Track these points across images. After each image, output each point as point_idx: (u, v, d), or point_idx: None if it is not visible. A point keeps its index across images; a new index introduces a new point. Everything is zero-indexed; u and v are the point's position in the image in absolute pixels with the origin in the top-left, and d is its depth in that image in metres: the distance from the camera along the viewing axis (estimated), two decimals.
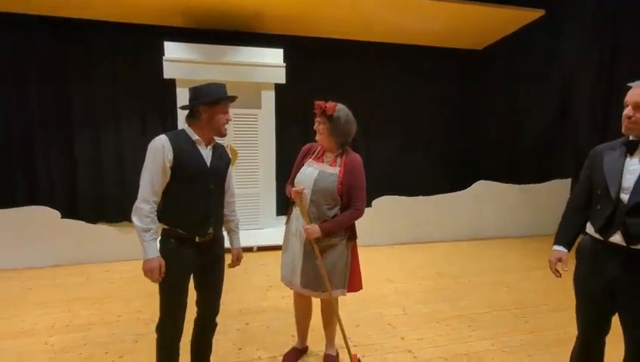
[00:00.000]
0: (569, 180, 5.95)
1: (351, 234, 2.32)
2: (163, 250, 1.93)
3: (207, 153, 1.99)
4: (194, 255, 1.98)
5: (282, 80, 5.40)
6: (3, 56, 5.49)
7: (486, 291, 3.81)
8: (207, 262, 2.04)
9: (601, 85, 5.71)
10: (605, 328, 1.88)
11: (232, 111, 5.26)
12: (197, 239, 1.96)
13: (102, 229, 4.57)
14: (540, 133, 6.72)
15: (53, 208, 4.40)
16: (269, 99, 5.52)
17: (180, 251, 1.94)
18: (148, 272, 1.85)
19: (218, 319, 2.21)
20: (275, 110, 5.60)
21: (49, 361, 2.57)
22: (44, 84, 5.68)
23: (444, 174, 7.55)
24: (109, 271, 4.16)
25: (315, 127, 2.28)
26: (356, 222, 2.33)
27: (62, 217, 4.40)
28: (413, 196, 5.54)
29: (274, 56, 5.38)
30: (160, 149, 1.85)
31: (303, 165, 2.34)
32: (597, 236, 1.79)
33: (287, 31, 6.14)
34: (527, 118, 6.93)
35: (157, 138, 1.90)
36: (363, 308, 3.39)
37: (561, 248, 1.95)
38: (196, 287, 2.11)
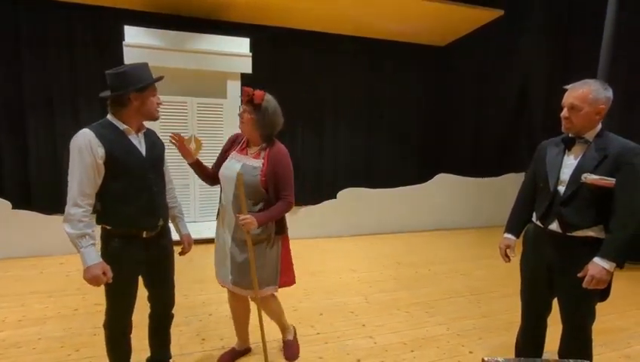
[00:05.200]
0: (522, 174, 6.28)
1: (279, 228, 2.19)
2: (106, 252, 1.81)
3: (139, 142, 1.87)
4: (141, 251, 1.88)
5: (249, 70, 5.34)
6: None
7: (443, 279, 3.99)
8: (155, 257, 1.96)
9: (553, 84, 6.05)
10: (546, 309, 2.05)
11: (197, 100, 5.25)
12: (144, 235, 1.87)
13: (56, 220, 4.38)
14: (499, 129, 7.04)
15: (5, 199, 4.17)
16: (234, 88, 5.45)
17: (126, 250, 1.83)
18: (91, 281, 1.72)
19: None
20: (240, 100, 5.53)
21: None
22: None
23: (409, 167, 7.75)
24: (64, 264, 4.01)
25: (239, 113, 2.10)
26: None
27: (13, 208, 4.18)
28: (378, 188, 5.67)
29: (240, 45, 5.31)
30: (87, 146, 1.68)
31: (227, 155, 2.19)
32: (538, 223, 1.94)
33: (254, 20, 6.05)
34: (487, 114, 7.24)
35: (79, 133, 1.72)
36: (327, 297, 3.46)
37: (510, 236, 2.09)
38: (146, 285, 2.04)
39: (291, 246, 2.37)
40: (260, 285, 2.15)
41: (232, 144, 2.23)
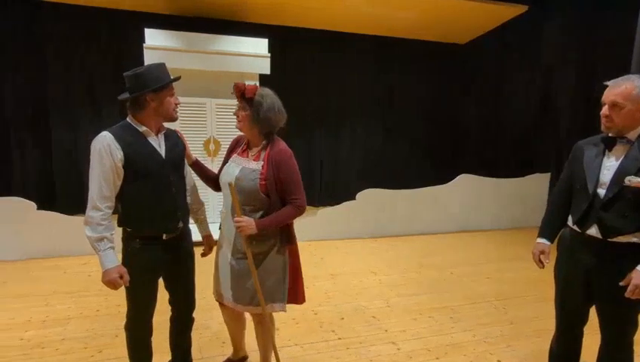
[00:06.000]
0: (548, 174, 6.09)
1: (287, 238, 1.98)
2: (127, 254, 1.81)
3: (159, 143, 1.84)
4: (161, 254, 1.85)
5: (267, 70, 5.32)
6: None
7: (467, 283, 3.87)
8: (175, 259, 1.93)
9: (582, 81, 5.84)
10: (583, 318, 1.93)
11: (216, 101, 5.26)
12: (165, 237, 1.85)
13: (78, 221, 4.44)
14: (522, 128, 6.84)
15: (29, 199, 4.25)
16: None
17: (146, 251, 1.81)
18: (108, 284, 1.71)
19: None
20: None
21: (24, 357, 2.49)
22: (20, 70, 5.45)
23: (428, 167, 7.62)
24: (86, 264, 4.06)
25: (234, 112, 1.95)
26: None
27: (38, 208, 4.26)
28: (396, 189, 5.57)
29: (258, 46, 5.29)
30: (106, 149, 1.68)
31: (229, 159, 2.04)
32: (575, 228, 1.83)
33: (272, 20, 6.04)
34: (509, 113, 7.04)
35: (99, 137, 1.71)
36: (347, 300, 3.40)
37: (544, 240, 1.98)
38: (167, 287, 2.02)
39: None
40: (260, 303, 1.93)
41: (235, 146, 2.09)
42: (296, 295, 2.03)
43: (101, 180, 1.69)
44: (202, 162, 2.21)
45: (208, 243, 2.15)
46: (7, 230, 4.14)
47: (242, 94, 1.88)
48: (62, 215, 4.38)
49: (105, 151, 1.68)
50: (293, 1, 5.38)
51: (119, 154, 1.70)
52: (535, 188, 6.06)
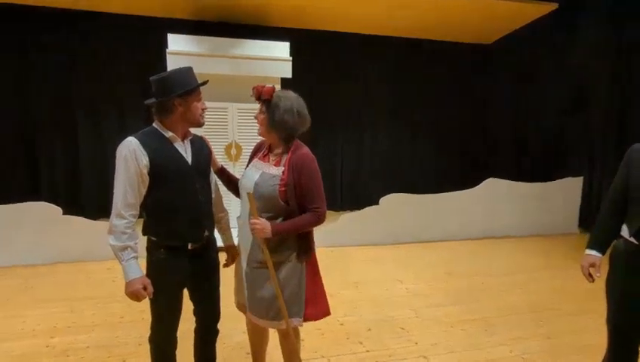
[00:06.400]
0: (580, 178, 5.83)
1: (305, 249, 1.86)
2: (152, 262, 1.76)
3: (185, 149, 1.78)
4: (187, 264, 1.79)
5: (289, 74, 5.26)
6: (4, 50, 5.37)
7: (499, 293, 3.70)
8: (200, 270, 1.86)
9: (617, 81, 5.58)
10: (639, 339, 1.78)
11: (237, 105, 5.23)
12: (190, 246, 1.79)
13: (103, 225, 4.46)
14: (551, 130, 6.58)
15: (56, 204, 4.30)
16: None
17: (171, 262, 1.75)
18: (131, 296, 1.66)
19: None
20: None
21: None
22: (46, 77, 5.57)
23: (453, 171, 7.44)
24: (111, 269, 4.06)
25: (255, 116, 1.89)
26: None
27: (64, 213, 4.30)
28: (421, 193, 5.42)
29: (280, 50, 5.25)
30: (131, 155, 1.63)
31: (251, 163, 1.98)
32: (632, 240, 1.68)
33: (293, 24, 6.01)
34: (537, 114, 6.79)
35: (124, 142, 1.66)
36: (374, 310, 3.28)
37: (594, 252, 1.83)
38: (192, 298, 1.95)
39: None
40: (279, 316, 1.83)
41: (257, 150, 2.01)
42: (315, 309, 1.90)
43: (126, 187, 1.64)
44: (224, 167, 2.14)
45: (231, 253, 2.08)
46: (34, 234, 4.20)
47: (260, 96, 1.82)
48: (86, 220, 4.42)
49: (130, 157, 1.64)
50: (315, 4, 5.33)
51: (145, 160, 1.65)
52: (566, 192, 5.81)
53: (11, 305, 3.26)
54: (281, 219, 1.80)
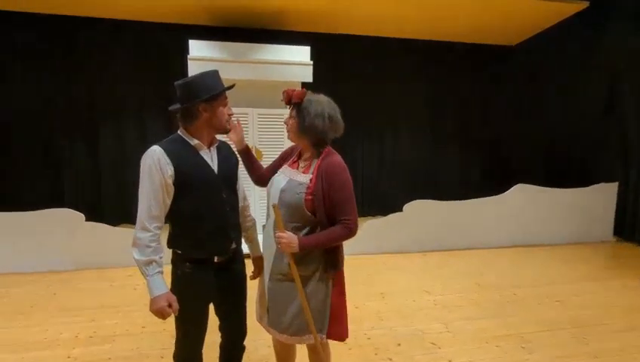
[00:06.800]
0: (615, 184, 5.54)
1: (331, 263, 1.77)
2: (177, 276, 1.69)
3: (211, 157, 1.71)
4: (213, 278, 1.71)
5: (309, 78, 5.19)
6: (26, 57, 5.47)
7: (534, 306, 3.49)
8: (227, 284, 1.78)
9: None
10: None
11: (258, 111, 5.17)
12: (216, 259, 1.70)
13: (123, 232, 4.45)
14: (583, 134, 6.30)
15: (78, 210, 4.31)
16: None
17: (197, 276, 1.67)
18: (156, 313, 1.58)
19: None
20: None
21: None
22: (68, 83, 5.64)
23: (480, 177, 7.21)
24: (132, 276, 4.03)
25: (284, 121, 1.83)
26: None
27: (86, 220, 4.30)
28: (446, 200, 5.23)
29: (301, 54, 5.18)
30: (156, 165, 1.56)
31: (281, 166, 1.90)
32: None
33: (314, 28, 5.94)
34: (566, 117, 6.52)
35: (149, 151, 1.59)
36: (402, 323, 3.13)
37: None
38: (218, 314, 1.86)
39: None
40: (300, 331, 1.74)
41: (288, 155, 1.94)
42: (337, 328, 1.81)
43: (150, 198, 1.57)
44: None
45: (258, 265, 1.96)
46: (57, 241, 4.20)
47: (290, 100, 1.74)
48: (108, 226, 4.40)
49: (155, 167, 1.56)
50: (335, 8, 5.25)
51: (169, 169, 1.57)
52: (600, 199, 5.53)
53: (35, 314, 3.24)
54: (308, 229, 1.70)
